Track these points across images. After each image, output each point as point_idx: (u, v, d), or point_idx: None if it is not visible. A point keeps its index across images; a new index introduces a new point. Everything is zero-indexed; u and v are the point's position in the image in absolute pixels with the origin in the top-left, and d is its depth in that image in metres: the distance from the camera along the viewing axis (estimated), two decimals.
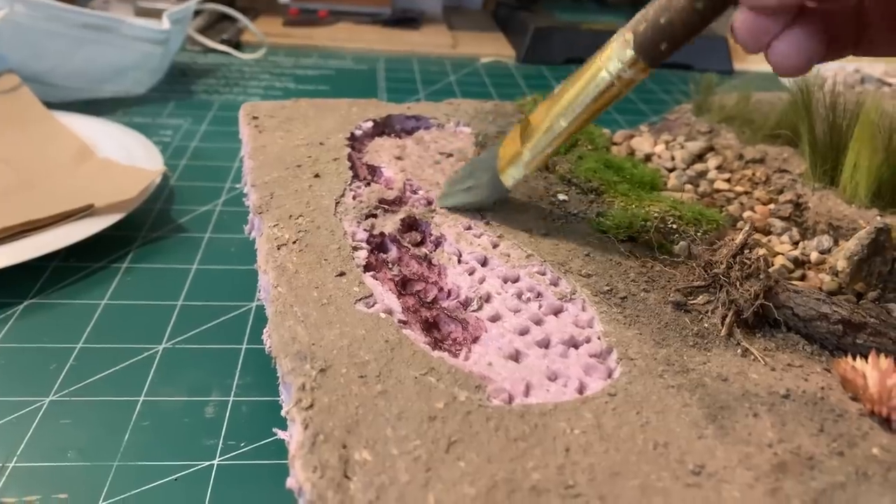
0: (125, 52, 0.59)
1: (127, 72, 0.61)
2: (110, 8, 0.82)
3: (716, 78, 0.51)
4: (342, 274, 0.26)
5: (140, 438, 0.28)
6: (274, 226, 0.29)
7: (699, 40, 0.88)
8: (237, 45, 0.80)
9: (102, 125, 0.52)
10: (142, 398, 0.30)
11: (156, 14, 0.76)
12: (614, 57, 0.25)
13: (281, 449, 0.28)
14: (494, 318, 0.25)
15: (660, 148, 0.46)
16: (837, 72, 0.80)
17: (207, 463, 0.27)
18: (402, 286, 0.27)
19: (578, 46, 0.84)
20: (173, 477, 0.27)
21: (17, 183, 0.44)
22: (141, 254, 0.40)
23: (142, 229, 0.42)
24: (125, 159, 0.47)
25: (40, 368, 0.31)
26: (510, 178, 0.29)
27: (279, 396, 0.30)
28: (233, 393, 0.31)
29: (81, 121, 0.52)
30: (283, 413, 0.20)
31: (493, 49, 0.87)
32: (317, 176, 0.33)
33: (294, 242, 0.27)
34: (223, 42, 0.78)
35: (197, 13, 0.81)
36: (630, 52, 0.25)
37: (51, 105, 0.53)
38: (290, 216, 0.29)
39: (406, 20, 0.92)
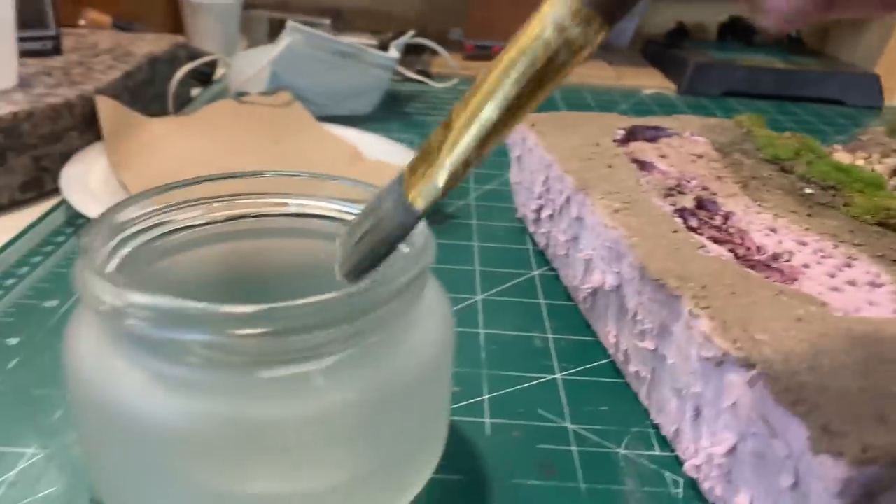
0: (364, 76, 0.70)
1: (363, 93, 0.72)
2: None
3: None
4: (676, 231, 0.34)
5: (493, 357, 0.37)
6: (602, 198, 0.37)
7: (851, 77, 0.93)
8: (427, 76, 0.91)
9: (361, 134, 0.63)
10: (481, 331, 0.39)
11: None
12: (554, 12, 0.18)
13: (603, 372, 0.36)
14: (805, 266, 0.32)
15: (860, 162, 0.52)
16: None
17: (551, 376, 0.35)
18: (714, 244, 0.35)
19: (735, 80, 0.91)
20: (530, 383, 0.35)
21: None
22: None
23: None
24: (394, 162, 0.57)
25: None
26: (423, 200, 0.21)
27: (586, 336, 0.38)
28: (549, 331, 0.39)
29: (344, 131, 0.63)
30: (686, 311, 0.28)
31: (651, 82, 0.95)
32: (609, 167, 0.41)
33: (626, 209, 0.36)
34: (418, 72, 0.89)
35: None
36: (575, 3, 0.18)
37: None
38: (609, 192, 0.38)
39: None
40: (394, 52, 0.73)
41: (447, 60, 0.89)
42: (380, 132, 0.70)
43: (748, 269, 0.31)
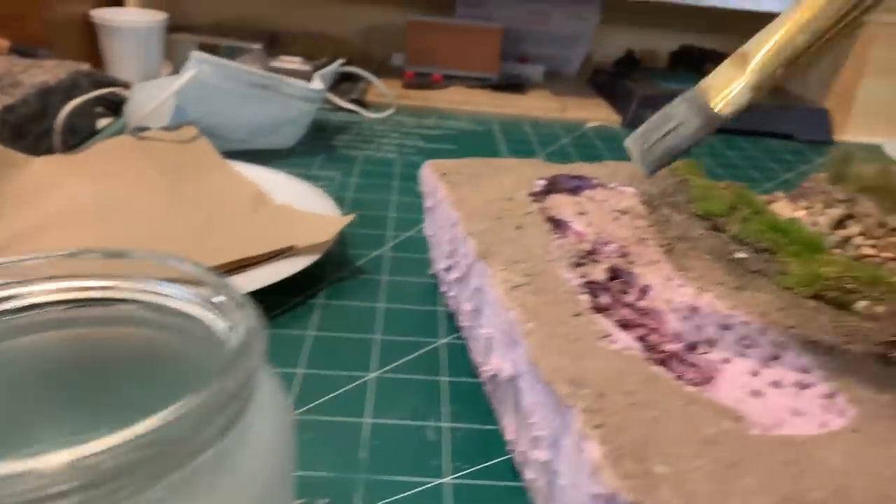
0: (284, 109, 0.65)
1: (283, 126, 0.67)
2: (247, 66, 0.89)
3: (854, 149, 0.54)
4: (578, 314, 0.29)
5: (374, 455, 0.31)
6: (503, 269, 0.32)
7: (801, 112, 0.90)
8: (362, 105, 0.86)
9: (272, 174, 0.57)
10: (366, 420, 0.34)
11: (288, 73, 0.83)
12: None
13: (500, 473, 0.31)
14: (725, 361, 0.27)
15: (801, 214, 0.48)
16: None
17: (438, 481, 0.30)
18: (623, 330, 0.30)
19: None
20: (412, 491, 0.30)
21: (207, 223, 0.49)
22: (332, 292, 0.44)
23: (327, 271, 0.47)
24: (301, 206, 0.52)
25: None
26: (729, 105, 0.24)
27: (487, 424, 0.33)
28: (444, 420, 0.34)
29: (253, 169, 0.58)
30: (574, 430, 0.23)
31: (597, 114, 0.91)
32: (518, 227, 0.37)
33: (527, 285, 0.31)
34: (352, 101, 0.84)
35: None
36: None
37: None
38: (513, 262, 0.33)
39: (512, 85, 0.97)
40: (317, 83, 0.68)
41: (383, 90, 0.84)
42: (301, 167, 0.65)
43: (657, 368, 0.26)
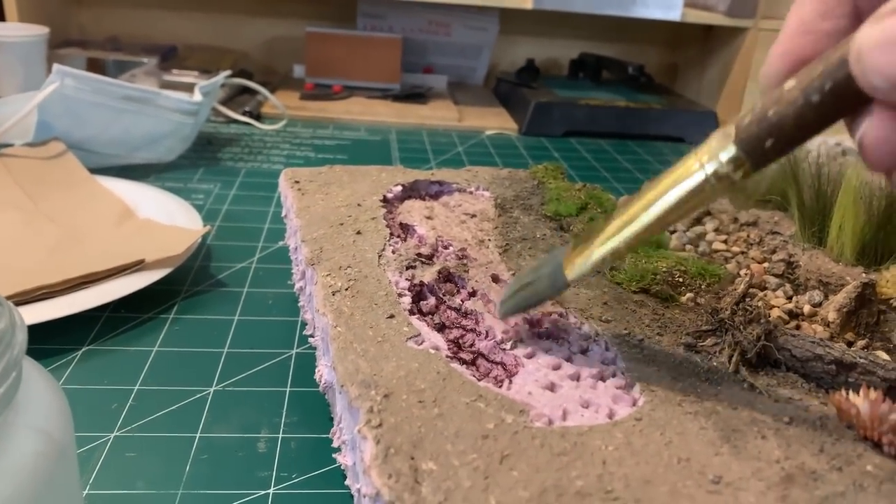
0: (160, 122, 0.64)
1: (160, 140, 0.65)
2: (137, 81, 0.87)
3: None
4: (392, 316, 0.29)
5: (200, 470, 0.31)
6: (327, 275, 0.32)
7: (691, 115, 0.93)
8: (258, 117, 0.85)
9: (142, 189, 0.56)
10: (198, 434, 0.33)
11: (181, 87, 0.81)
12: (713, 153, 0.22)
13: (328, 480, 0.31)
14: (529, 356, 0.28)
15: None
16: (820, 144, 0.85)
17: (263, 492, 0.30)
18: (440, 331, 0.30)
19: (576, 120, 0.90)
20: (238, 502, 0.29)
21: (65, 239, 0.48)
22: (185, 306, 0.43)
23: (184, 284, 0.46)
24: (166, 220, 0.50)
25: (103, 407, 0.34)
26: (574, 272, 0.27)
27: (325, 433, 0.33)
28: (281, 430, 0.34)
29: (122, 184, 0.56)
30: (355, 431, 0.23)
31: (496, 122, 0.92)
32: (358, 233, 0.37)
33: (346, 289, 0.31)
34: (245, 113, 0.83)
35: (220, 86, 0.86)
36: (732, 148, 0.22)
37: (89, 170, 0.57)
38: (340, 267, 0.33)
39: (414, 95, 0.97)
40: (197, 96, 0.67)
41: (274, 102, 0.84)
42: (179, 181, 0.64)
43: (458, 366, 0.27)
